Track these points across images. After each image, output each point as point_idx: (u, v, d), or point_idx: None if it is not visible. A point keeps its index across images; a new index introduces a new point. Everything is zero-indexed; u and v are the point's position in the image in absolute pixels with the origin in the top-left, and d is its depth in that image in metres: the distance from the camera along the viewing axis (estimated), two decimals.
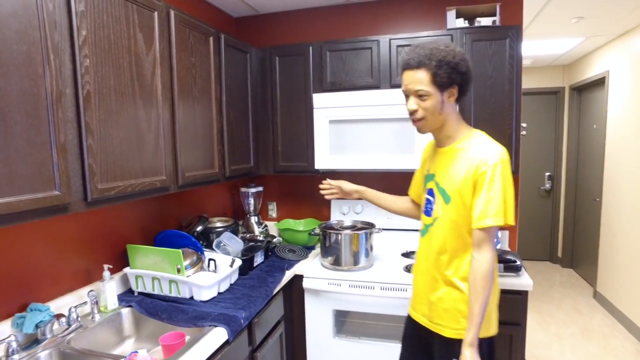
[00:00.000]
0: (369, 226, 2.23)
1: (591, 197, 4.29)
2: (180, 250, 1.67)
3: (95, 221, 1.71)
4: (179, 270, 1.68)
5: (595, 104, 4.27)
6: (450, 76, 1.29)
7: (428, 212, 1.47)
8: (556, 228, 5.12)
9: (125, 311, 1.61)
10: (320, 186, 1.83)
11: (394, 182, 2.67)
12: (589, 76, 4.27)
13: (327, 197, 1.81)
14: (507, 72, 2.11)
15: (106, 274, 1.58)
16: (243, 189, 2.71)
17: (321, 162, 2.35)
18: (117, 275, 1.79)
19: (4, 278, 1.35)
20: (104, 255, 1.75)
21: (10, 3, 1.03)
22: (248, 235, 2.50)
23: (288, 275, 2.14)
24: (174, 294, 1.72)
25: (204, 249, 2.04)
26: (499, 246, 2.36)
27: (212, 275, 1.79)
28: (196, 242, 1.93)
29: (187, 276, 1.74)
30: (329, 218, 2.76)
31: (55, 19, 1.16)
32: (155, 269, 1.71)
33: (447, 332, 1.39)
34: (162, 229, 2.12)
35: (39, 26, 1.11)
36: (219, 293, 1.78)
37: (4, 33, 1.02)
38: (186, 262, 1.79)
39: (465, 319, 1.35)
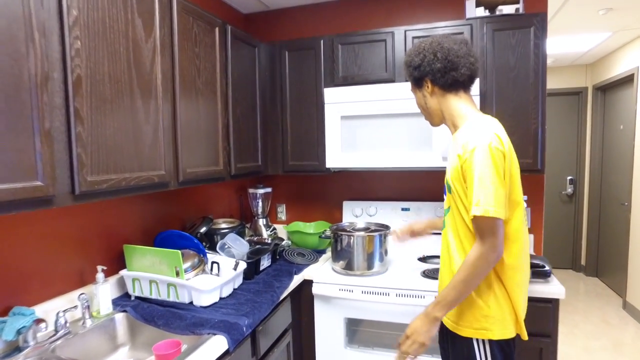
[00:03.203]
0: (383, 228, 2.09)
1: (619, 201, 4.06)
2: (179, 251, 1.55)
3: (89, 218, 1.61)
4: (177, 273, 1.57)
5: (622, 103, 4.06)
6: (412, 74, 1.39)
7: (444, 205, 1.43)
8: (579, 234, 4.88)
9: (120, 317, 1.50)
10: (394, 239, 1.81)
11: (411, 181, 2.52)
12: (615, 74, 4.06)
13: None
14: (531, 64, 1.96)
15: (100, 275, 1.47)
16: (251, 190, 2.60)
17: (332, 160, 2.22)
18: (113, 278, 1.68)
19: None
20: (99, 256, 1.65)
21: None
22: (255, 238, 2.38)
23: (297, 280, 2.01)
24: (172, 299, 1.60)
25: (207, 251, 1.92)
26: None
27: (214, 279, 1.67)
28: (198, 243, 1.82)
29: (187, 279, 1.62)
30: (340, 220, 2.63)
31: None
32: (152, 271, 1.60)
33: (465, 332, 1.30)
34: (164, 229, 2.01)
35: (21, 0, 1.02)
36: (220, 298, 1.66)
37: None
38: (187, 265, 1.68)
39: (483, 318, 1.27)
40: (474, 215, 1.19)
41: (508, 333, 1.27)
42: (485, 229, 1.19)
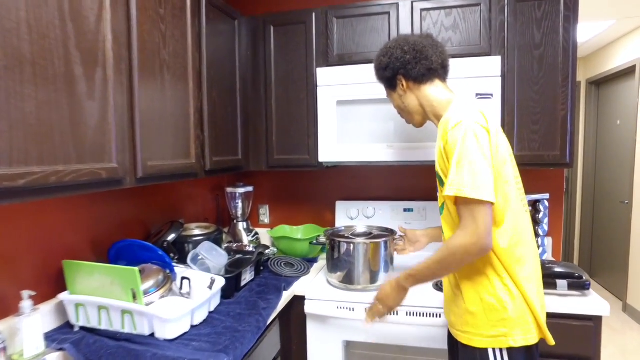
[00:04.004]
0: (388, 233, 1.77)
1: (617, 199, 3.89)
2: (135, 269, 1.19)
3: (14, 226, 1.22)
4: (135, 297, 1.20)
5: (620, 97, 3.89)
6: (384, 76, 1.34)
7: (438, 202, 1.32)
8: (572, 233, 4.72)
9: (53, 358, 1.12)
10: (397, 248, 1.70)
11: (415, 177, 2.21)
12: (612, 67, 3.89)
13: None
14: (561, 40, 1.68)
15: (25, 304, 1.09)
16: (229, 189, 2.24)
17: (326, 153, 1.89)
18: (50, 304, 1.30)
19: None
20: (28, 277, 1.26)
21: None
22: (235, 246, 2.03)
23: (286, 296, 1.66)
24: (128, 330, 1.23)
25: (175, 264, 1.56)
26: (545, 256, 1.92)
27: (184, 302, 1.31)
28: (164, 255, 1.46)
29: (148, 304, 1.26)
30: (333, 224, 2.30)
31: None
32: (102, 295, 1.23)
33: (478, 342, 1.15)
34: (122, 238, 1.63)
35: None
36: (192, 326, 1.30)
37: None
38: (148, 284, 1.32)
39: (500, 322, 1.13)
40: (446, 197, 1.10)
41: (531, 338, 1.13)
42: (464, 214, 1.07)
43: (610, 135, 4.09)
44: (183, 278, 1.53)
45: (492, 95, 1.66)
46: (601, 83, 4.28)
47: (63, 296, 1.27)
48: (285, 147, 2.01)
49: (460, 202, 1.08)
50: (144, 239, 1.78)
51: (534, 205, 1.87)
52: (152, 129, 1.33)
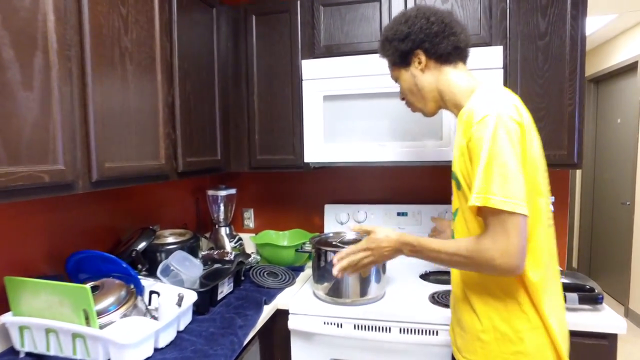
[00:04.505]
0: None
1: (618, 200, 3.77)
2: (86, 286, 1.02)
3: None
4: (87, 318, 1.04)
5: (621, 95, 3.77)
6: (398, 49, 1.11)
7: (452, 207, 1.13)
8: (570, 236, 4.60)
9: None
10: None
11: (410, 179, 2.07)
12: (612, 64, 3.77)
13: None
14: (568, 28, 1.54)
15: None
16: (210, 192, 2.08)
17: (313, 153, 1.74)
18: None
19: None
20: None
21: None
22: (215, 253, 1.86)
23: (267, 311, 1.51)
24: (80, 356, 1.07)
25: (143, 277, 1.40)
26: None
27: (148, 321, 1.15)
28: (128, 268, 1.30)
29: (105, 325, 1.10)
30: (321, 229, 2.15)
31: None
32: (50, 316, 1.07)
33: None
34: (87, 247, 1.47)
35: None
36: (156, 350, 1.14)
37: None
38: (107, 302, 1.16)
39: (514, 356, 0.96)
40: (471, 206, 0.91)
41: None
42: (493, 223, 0.89)
43: (610, 134, 3.97)
44: (152, 292, 1.38)
45: None
46: (600, 80, 4.17)
47: (5, 318, 1.10)
48: (269, 146, 1.86)
49: (488, 212, 0.90)
50: (113, 247, 1.62)
51: None
52: (111, 126, 1.16)
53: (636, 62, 3.36)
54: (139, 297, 1.27)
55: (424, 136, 1.61)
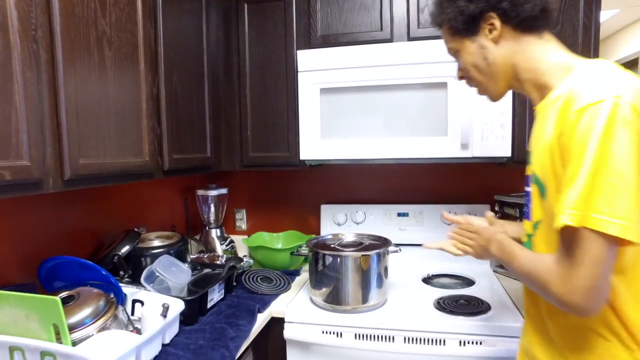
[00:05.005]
0: (381, 242, 1.52)
1: None
2: (56, 298, 0.90)
3: None
4: (58, 334, 0.92)
5: None
6: (463, 10, 0.85)
7: (527, 214, 0.91)
8: None
9: None
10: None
11: (412, 177, 1.97)
12: (613, 59, 3.71)
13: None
14: (581, 16, 1.45)
15: None
16: (200, 192, 1.96)
17: (309, 150, 1.63)
18: None
19: None
20: None
21: None
22: (206, 257, 1.75)
23: (261, 320, 1.40)
24: None
25: (125, 284, 1.28)
26: None
27: (129, 335, 1.04)
28: (108, 275, 1.18)
29: (80, 340, 0.98)
30: (317, 230, 2.04)
31: None
32: (14, 332, 0.94)
33: None
34: (65, 251, 1.34)
35: None
36: None
37: None
38: (83, 314, 1.04)
39: None
40: (562, 226, 0.69)
41: None
42: (576, 249, 0.69)
43: None
44: (135, 301, 1.27)
45: None
46: None
47: None
48: (262, 143, 1.75)
49: (577, 234, 0.68)
50: (94, 252, 1.50)
51: None
52: (87, 118, 1.05)
53: (637, 59, 3.31)
54: (120, 307, 1.15)
55: (428, 132, 1.51)
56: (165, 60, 1.38)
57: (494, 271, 1.74)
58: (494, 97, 0.94)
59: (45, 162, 0.93)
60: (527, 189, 0.91)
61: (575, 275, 0.68)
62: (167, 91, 1.40)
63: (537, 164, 0.82)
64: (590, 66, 0.77)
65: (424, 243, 1.20)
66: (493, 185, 1.86)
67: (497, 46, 0.86)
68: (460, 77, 0.98)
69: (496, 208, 1.74)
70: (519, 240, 0.91)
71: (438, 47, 1.47)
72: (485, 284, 1.61)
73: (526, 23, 0.83)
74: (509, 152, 1.45)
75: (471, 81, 0.95)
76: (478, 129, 1.46)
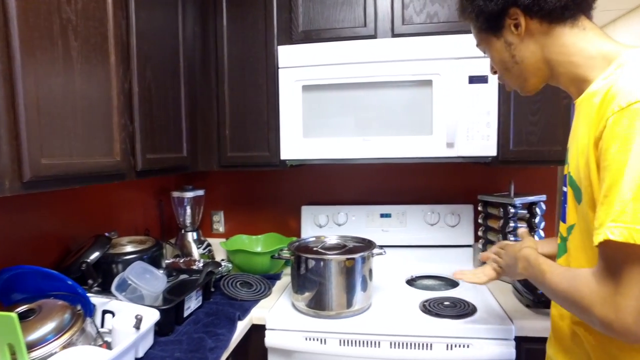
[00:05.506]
0: (365, 244, 1.48)
1: None
2: (11, 314, 0.82)
3: None
4: (14, 354, 0.83)
5: None
6: (483, 9, 0.82)
7: (563, 215, 0.86)
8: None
9: None
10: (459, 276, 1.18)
11: (395, 178, 1.94)
12: None
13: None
14: None
15: None
16: (176, 194, 1.87)
17: (290, 150, 1.57)
18: None
19: None
20: None
21: None
22: (182, 261, 1.66)
23: (241, 327, 1.33)
24: None
25: (94, 294, 1.19)
26: None
27: (96, 352, 0.95)
28: (74, 285, 1.09)
29: (42, 359, 0.89)
30: (298, 233, 1.98)
31: None
32: None
33: None
34: (28, 258, 1.24)
35: None
36: None
37: None
38: (45, 329, 0.96)
39: None
40: (604, 241, 0.62)
41: None
42: (629, 267, 0.61)
43: None
44: (105, 312, 1.18)
45: (487, 78, 1.41)
46: None
47: None
48: (241, 142, 1.68)
49: (622, 250, 0.62)
50: (60, 259, 1.40)
51: (529, 208, 1.63)
52: (50, 114, 0.96)
53: None
54: (89, 320, 1.06)
55: (413, 130, 1.48)
56: (138, 54, 1.29)
57: None
58: (527, 92, 0.89)
59: (1, 162, 0.84)
60: (563, 189, 0.87)
61: (622, 296, 0.61)
62: (140, 87, 1.31)
63: (573, 165, 0.77)
64: (636, 57, 0.70)
65: (455, 274, 1.19)
66: (477, 185, 1.85)
67: (525, 42, 0.81)
68: (494, 72, 0.94)
69: (479, 208, 1.73)
70: (552, 258, 0.85)
71: (423, 44, 1.45)
72: (469, 284, 1.59)
73: (554, 14, 0.77)
74: (494, 152, 1.44)
75: (499, 75, 0.92)
76: (463, 128, 1.43)
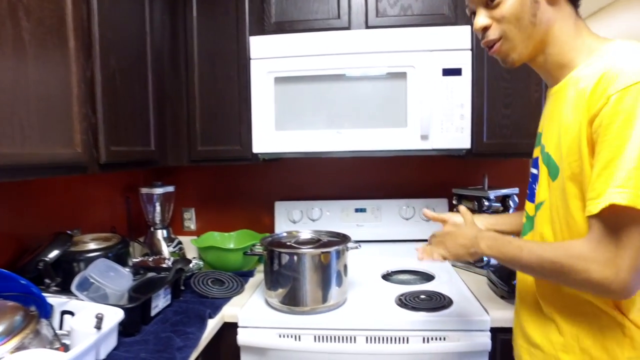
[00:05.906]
0: (339, 239, 1.45)
1: None
2: None
3: None
4: None
5: None
6: None
7: (531, 196, 0.93)
8: None
9: None
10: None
11: (369, 171, 1.92)
12: None
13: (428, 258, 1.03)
14: None
15: None
16: (144, 190, 1.80)
17: (262, 143, 1.53)
18: None
19: None
20: None
21: None
22: (151, 260, 1.60)
23: (212, 326, 1.28)
24: None
25: (52, 294, 1.12)
26: None
27: (50, 355, 0.89)
28: (28, 284, 1.02)
29: None
30: (272, 229, 1.94)
31: None
32: None
33: None
34: None
35: None
36: None
37: None
38: None
39: None
40: (608, 205, 0.66)
41: None
42: (630, 230, 0.67)
43: None
44: (64, 313, 1.11)
45: (461, 71, 1.41)
46: None
47: None
48: (212, 136, 1.63)
49: (624, 214, 0.66)
50: (15, 259, 1.31)
51: (502, 201, 1.65)
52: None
53: None
54: (44, 321, 0.99)
55: (387, 123, 1.46)
56: (101, 40, 1.23)
57: (453, 265, 1.73)
58: (514, 61, 0.85)
59: None
60: (532, 171, 0.92)
61: (621, 257, 0.67)
62: (104, 75, 1.25)
63: (552, 145, 0.82)
64: (625, 46, 0.75)
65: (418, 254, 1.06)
66: (451, 179, 1.86)
67: (549, 8, 0.80)
68: (483, 28, 0.85)
69: (454, 201, 1.73)
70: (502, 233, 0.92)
71: (397, 36, 1.44)
72: (445, 278, 1.59)
73: None
74: (468, 144, 1.44)
75: (498, 33, 0.83)
76: (438, 120, 1.43)
